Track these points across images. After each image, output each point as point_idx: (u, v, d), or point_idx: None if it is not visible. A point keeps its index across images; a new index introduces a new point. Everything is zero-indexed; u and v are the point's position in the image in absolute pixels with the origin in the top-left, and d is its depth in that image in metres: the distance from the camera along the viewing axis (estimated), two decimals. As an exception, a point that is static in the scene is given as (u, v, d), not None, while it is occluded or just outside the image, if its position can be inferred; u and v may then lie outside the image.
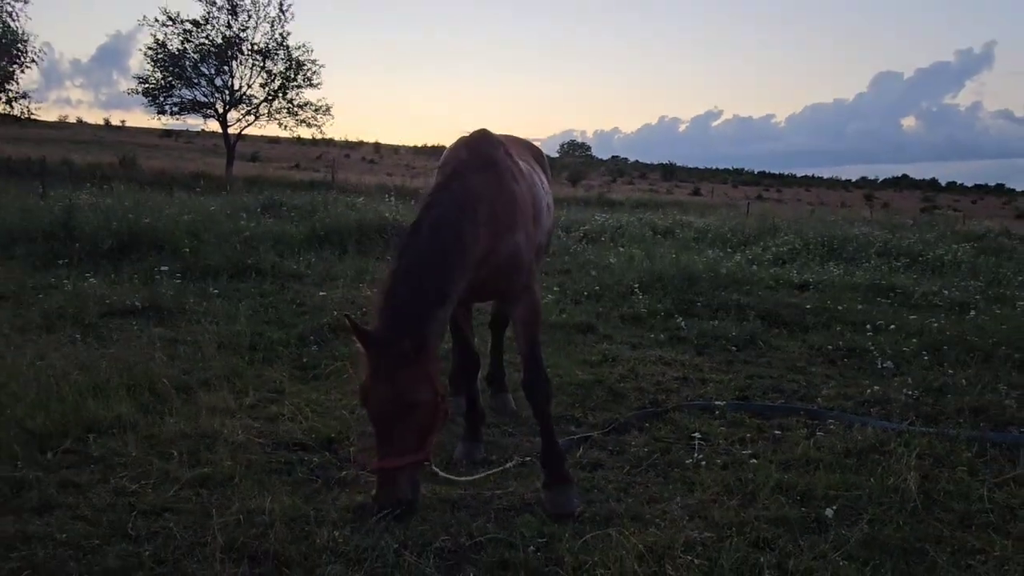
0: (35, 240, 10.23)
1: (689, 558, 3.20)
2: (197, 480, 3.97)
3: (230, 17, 36.93)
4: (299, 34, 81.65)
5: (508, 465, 4.38)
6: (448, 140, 4.80)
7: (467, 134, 4.40)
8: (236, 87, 38.06)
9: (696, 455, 4.62)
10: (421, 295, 3.43)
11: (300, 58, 38.18)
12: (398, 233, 3.94)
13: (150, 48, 36.73)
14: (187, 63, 37.08)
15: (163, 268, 9.21)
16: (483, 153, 4.06)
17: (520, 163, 4.42)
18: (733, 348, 7.38)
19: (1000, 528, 3.80)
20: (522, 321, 4.14)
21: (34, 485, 3.80)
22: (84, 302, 7.45)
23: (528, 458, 4.47)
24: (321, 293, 8.71)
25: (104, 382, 5.11)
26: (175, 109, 38.02)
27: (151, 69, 37.02)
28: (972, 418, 5.44)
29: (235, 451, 4.33)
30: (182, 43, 36.91)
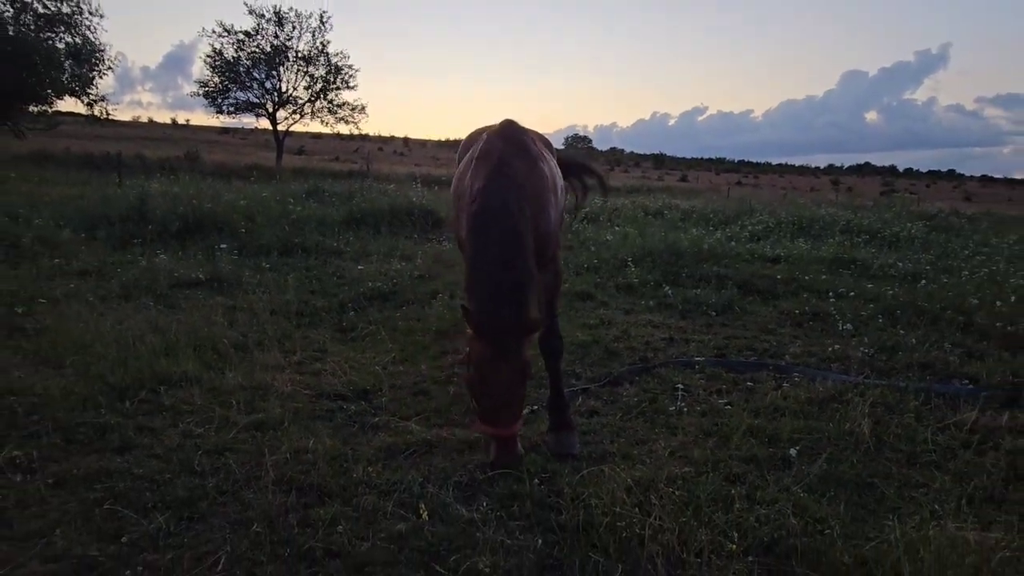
0: (114, 223, 10.29)
1: (671, 490, 3.21)
2: (253, 425, 4.02)
3: (277, 28, 36.82)
4: (337, 42, 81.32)
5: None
6: (466, 134, 4.68)
7: (495, 125, 4.22)
8: (283, 90, 37.98)
9: (679, 404, 4.63)
10: (520, 278, 3.31)
11: (338, 63, 38.06)
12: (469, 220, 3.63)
13: (209, 56, 36.74)
14: (241, 69, 37.00)
15: (223, 246, 9.27)
16: (518, 141, 3.94)
17: (543, 150, 4.30)
18: (713, 313, 7.35)
19: (941, 466, 3.81)
20: (546, 287, 4.08)
21: (115, 429, 3.87)
22: (156, 275, 7.52)
23: (535, 407, 4.49)
24: (359, 267, 8.74)
25: (174, 342, 5.19)
26: (231, 109, 38.01)
27: (210, 74, 37.04)
28: (920, 372, 5.41)
29: (285, 400, 4.39)
30: (236, 51, 36.87)
